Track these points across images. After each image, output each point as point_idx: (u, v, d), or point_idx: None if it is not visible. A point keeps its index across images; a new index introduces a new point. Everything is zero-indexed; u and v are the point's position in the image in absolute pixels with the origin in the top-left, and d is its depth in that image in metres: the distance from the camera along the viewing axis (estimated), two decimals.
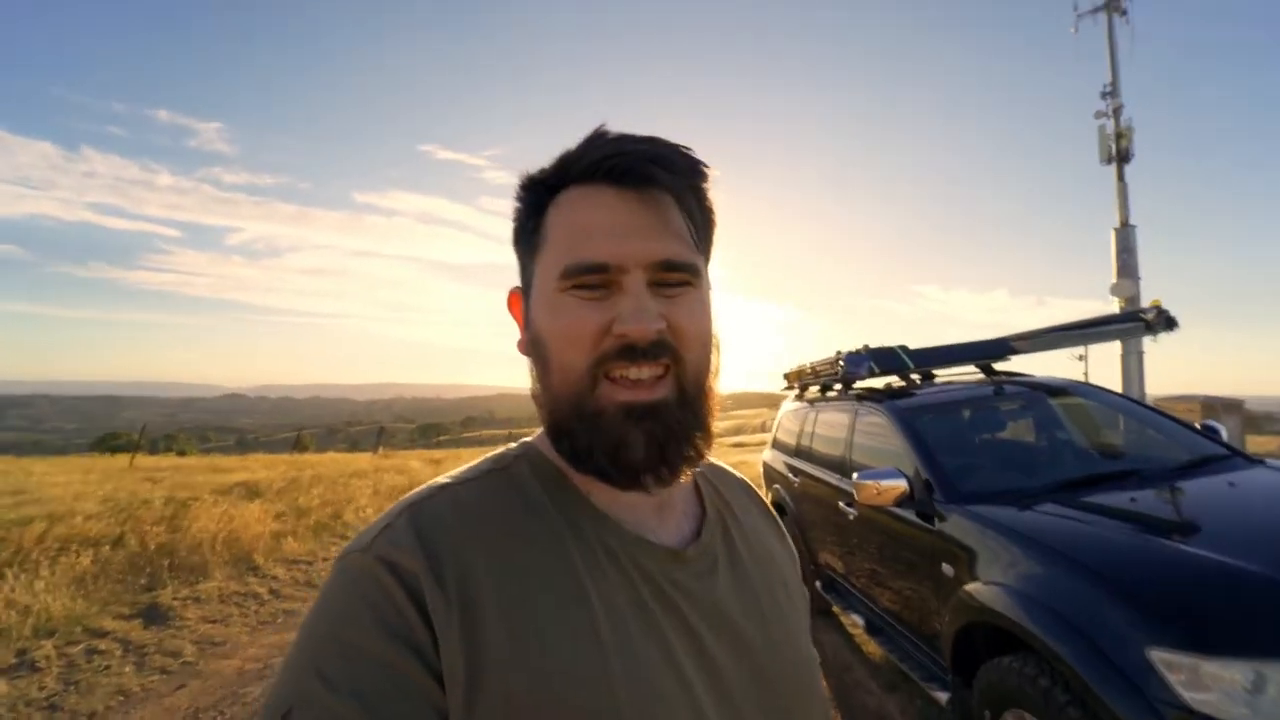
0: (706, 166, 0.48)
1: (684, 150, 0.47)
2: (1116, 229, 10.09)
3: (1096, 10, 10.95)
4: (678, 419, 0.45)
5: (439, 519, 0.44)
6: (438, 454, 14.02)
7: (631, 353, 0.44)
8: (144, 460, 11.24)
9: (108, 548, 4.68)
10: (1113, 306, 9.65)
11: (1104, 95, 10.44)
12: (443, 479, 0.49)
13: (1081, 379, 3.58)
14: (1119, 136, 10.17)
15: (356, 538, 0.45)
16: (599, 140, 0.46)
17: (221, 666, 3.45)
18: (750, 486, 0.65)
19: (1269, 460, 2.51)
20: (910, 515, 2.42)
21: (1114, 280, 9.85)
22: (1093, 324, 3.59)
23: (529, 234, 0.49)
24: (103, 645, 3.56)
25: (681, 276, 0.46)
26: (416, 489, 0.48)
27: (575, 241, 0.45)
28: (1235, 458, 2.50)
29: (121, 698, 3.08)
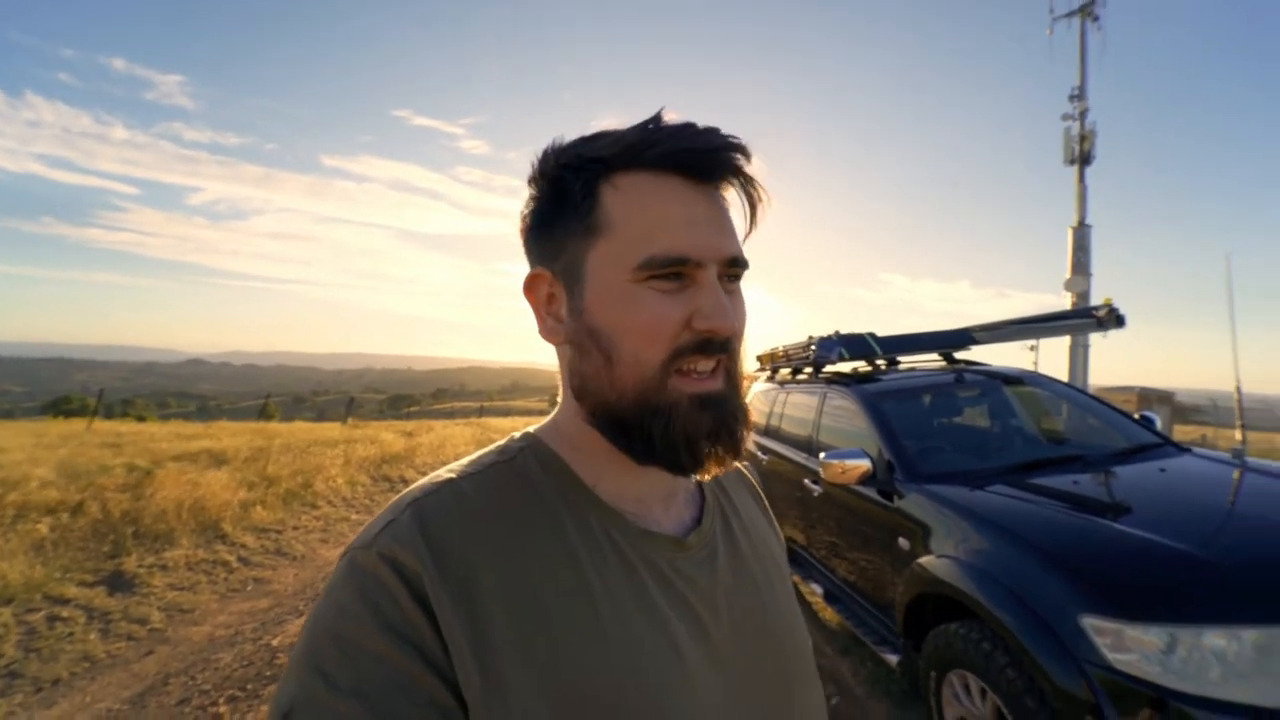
0: (761, 165, 0.49)
1: (747, 149, 0.47)
2: (1074, 228, 10.48)
3: (1071, 14, 11.22)
4: (734, 406, 0.46)
5: (443, 515, 0.44)
6: (408, 425, 13.87)
7: (709, 346, 0.44)
8: (101, 426, 10.83)
9: (66, 515, 4.55)
10: (1066, 300, 10.10)
11: (1072, 98, 10.77)
12: (446, 472, 0.48)
13: (1032, 368, 3.79)
14: (1082, 139, 10.52)
15: (362, 532, 0.45)
16: (669, 129, 0.45)
17: (191, 633, 3.44)
18: (745, 474, 0.66)
19: (1195, 448, 2.72)
20: (871, 493, 2.55)
21: (1068, 276, 10.28)
22: (1049, 319, 3.78)
23: (583, 215, 0.46)
24: (65, 612, 3.49)
25: (738, 273, 0.48)
26: (420, 482, 0.48)
27: (654, 232, 0.44)
28: (1167, 446, 2.70)
29: (87, 664, 3.06)
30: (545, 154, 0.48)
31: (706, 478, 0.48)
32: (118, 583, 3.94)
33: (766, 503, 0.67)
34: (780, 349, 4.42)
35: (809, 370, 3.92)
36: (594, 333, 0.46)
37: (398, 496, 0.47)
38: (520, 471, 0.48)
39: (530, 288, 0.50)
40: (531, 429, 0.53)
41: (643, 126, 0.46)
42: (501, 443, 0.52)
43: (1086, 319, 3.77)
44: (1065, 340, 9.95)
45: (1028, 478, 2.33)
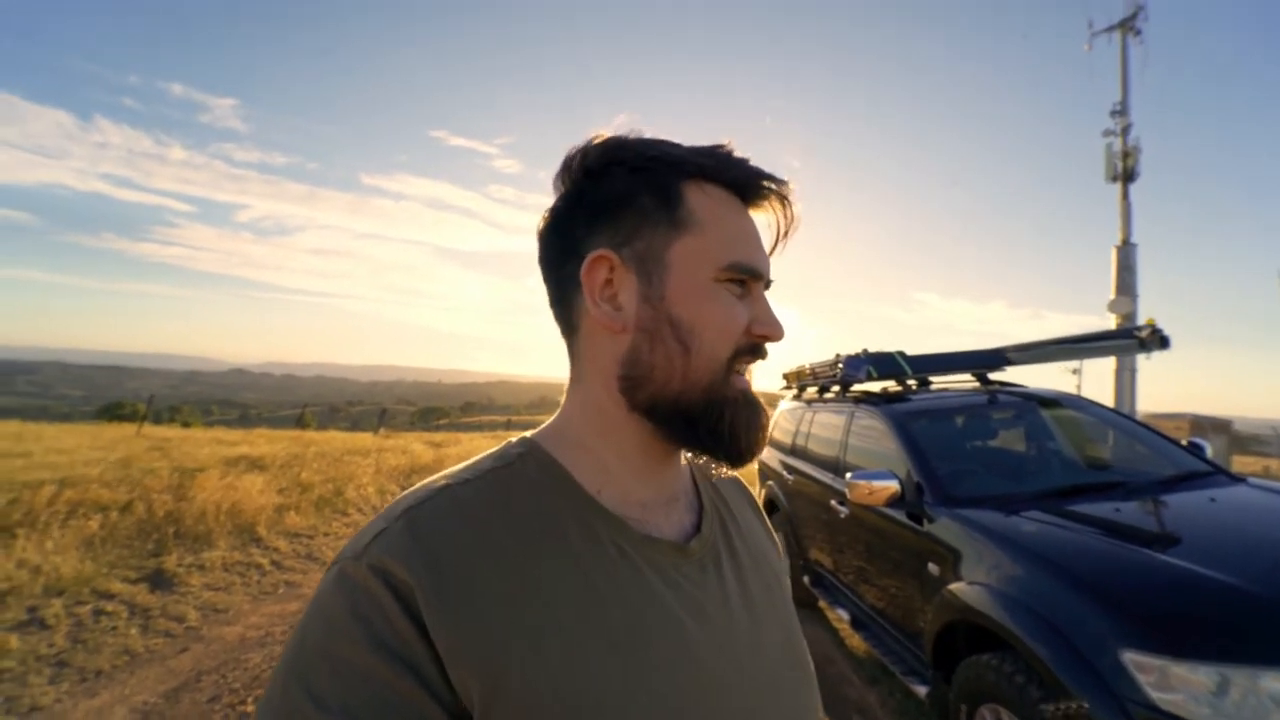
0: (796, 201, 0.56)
1: (790, 185, 0.53)
2: (1118, 246, 10.10)
3: (1111, 29, 10.94)
4: (763, 407, 0.51)
5: (438, 523, 0.42)
6: (437, 436, 14.17)
7: (760, 351, 0.50)
8: (150, 430, 11.37)
9: (116, 513, 4.77)
10: (1109, 322, 9.69)
11: (1113, 114, 10.45)
12: (442, 479, 0.47)
13: (1074, 392, 3.65)
14: (1125, 155, 10.17)
15: (352, 541, 0.43)
16: (739, 157, 0.50)
17: (224, 633, 3.54)
18: (742, 483, 0.66)
19: (1250, 478, 2.58)
20: (900, 516, 2.49)
21: (1112, 297, 9.88)
22: (1088, 339, 3.65)
23: (671, 208, 0.48)
24: (110, 607, 3.65)
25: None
26: (414, 489, 0.47)
27: (736, 240, 0.49)
28: (1218, 474, 2.56)
29: (127, 657, 3.18)
30: (625, 143, 0.49)
31: (737, 471, 0.53)
32: (159, 580, 4.10)
33: (763, 510, 0.68)
34: (807, 367, 4.37)
35: (836, 389, 3.86)
36: (675, 323, 0.47)
37: (392, 502, 0.46)
38: (519, 476, 0.47)
39: (591, 271, 0.48)
40: (529, 434, 0.52)
41: (719, 147, 0.50)
42: (499, 448, 0.51)
43: (1128, 339, 3.63)
44: (1110, 363, 9.54)
45: (1066, 504, 2.24)
